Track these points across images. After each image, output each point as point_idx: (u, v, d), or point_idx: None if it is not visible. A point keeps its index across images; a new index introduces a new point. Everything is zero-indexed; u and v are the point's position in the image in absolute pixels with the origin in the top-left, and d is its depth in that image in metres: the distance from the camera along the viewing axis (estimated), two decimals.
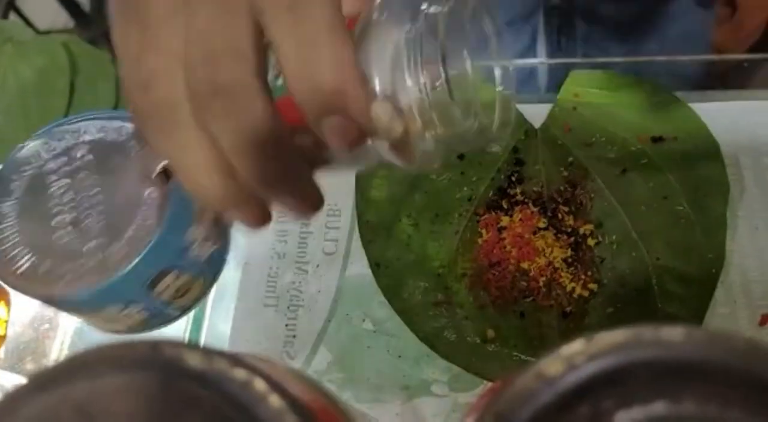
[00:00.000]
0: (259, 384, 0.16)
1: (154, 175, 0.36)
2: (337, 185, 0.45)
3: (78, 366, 0.17)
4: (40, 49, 0.74)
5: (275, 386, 0.16)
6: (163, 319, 0.39)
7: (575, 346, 0.16)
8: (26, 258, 0.36)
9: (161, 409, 0.16)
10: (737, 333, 0.16)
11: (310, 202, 0.23)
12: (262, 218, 0.24)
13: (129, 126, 0.38)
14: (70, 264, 0.35)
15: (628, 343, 0.16)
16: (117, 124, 0.38)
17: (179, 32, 0.21)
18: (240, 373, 0.16)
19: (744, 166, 0.41)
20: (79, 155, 0.38)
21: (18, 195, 0.37)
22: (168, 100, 0.21)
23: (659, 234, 0.38)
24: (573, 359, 0.16)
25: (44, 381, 0.17)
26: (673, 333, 0.16)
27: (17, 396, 0.16)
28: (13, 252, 0.36)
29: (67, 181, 0.37)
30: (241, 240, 0.47)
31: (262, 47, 0.21)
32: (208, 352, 0.17)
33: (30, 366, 0.48)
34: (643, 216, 0.39)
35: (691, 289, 0.37)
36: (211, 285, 0.41)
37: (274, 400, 0.16)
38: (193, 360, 0.17)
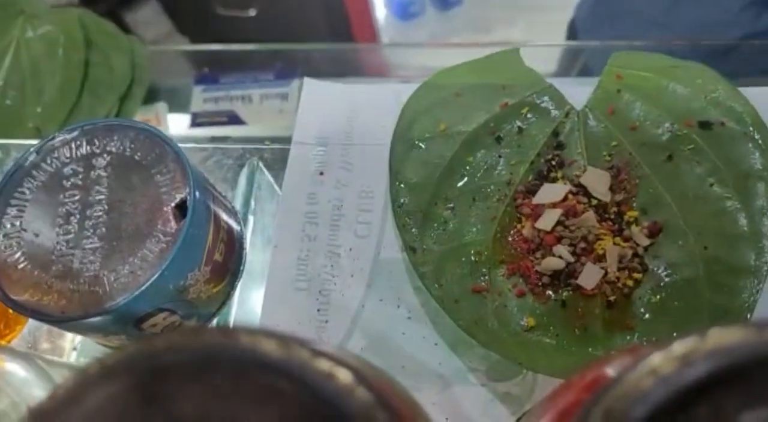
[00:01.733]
0: (345, 376, 0.15)
1: (169, 207, 0.34)
2: (369, 167, 0.43)
3: (144, 354, 0.15)
4: (53, 22, 0.72)
5: (361, 378, 0.15)
6: None
7: (688, 342, 0.15)
8: (22, 261, 0.34)
9: (237, 403, 0.15)
10: None
11: None
12: None
13: (158, 148, 0.36)
14: (60, 283, 0.33)
15: (747, 339, 0.15)
16: (147, 142, 0.36)
17: None
18: (323, 363, 0.15)
19: None
20: (98, 165, 0.36)
21: (37, 185, 0.36)
22: None
23: (707, 222, 0.37)
24: (689, 356, 0.14)
25: (109, 370, 0.15)
26: None
27: (82, 384, 0.15)
28: (11, 249, 0.34)
29: (78, 195, 0.35)
30: (269, 222, 0.46)
31: None
32: (286, 339, 0.15)
33: (46, 346, 0.47)
34: (690, 203, 0.37)
35: (741, 280, 0.35)
36: (209, 320, 0.40)
37: (362, 394, 0.15)
38: (271, 349, 0.15)
